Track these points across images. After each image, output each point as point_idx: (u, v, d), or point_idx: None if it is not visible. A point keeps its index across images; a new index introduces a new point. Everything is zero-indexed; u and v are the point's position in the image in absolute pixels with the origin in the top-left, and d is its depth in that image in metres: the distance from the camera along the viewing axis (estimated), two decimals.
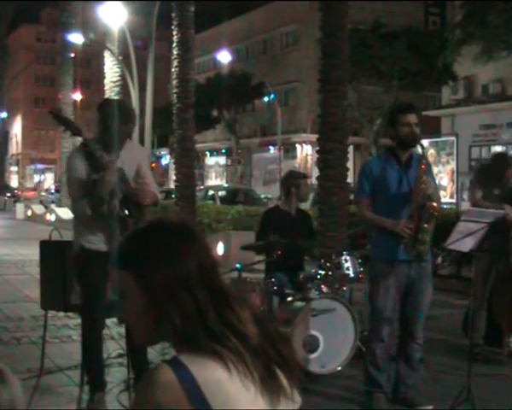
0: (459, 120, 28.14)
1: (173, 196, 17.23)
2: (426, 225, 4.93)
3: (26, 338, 7.23)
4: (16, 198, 43.93)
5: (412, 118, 5.09)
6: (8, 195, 45.27)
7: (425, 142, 20.18)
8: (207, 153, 52.24)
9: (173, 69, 17.40)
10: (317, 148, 12.44)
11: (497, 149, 23.30)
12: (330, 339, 5.90)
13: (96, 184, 4.80)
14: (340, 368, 5.92)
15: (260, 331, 1.66)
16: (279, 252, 6.16)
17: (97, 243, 4.92)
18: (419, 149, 5.14)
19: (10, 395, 1.65)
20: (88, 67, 71.04)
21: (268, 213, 7.00)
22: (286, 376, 1.66)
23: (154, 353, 5.67)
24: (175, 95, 17.18)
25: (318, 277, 6.24)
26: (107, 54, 25.02)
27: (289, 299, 6.17)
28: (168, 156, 49.03)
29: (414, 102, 5.91)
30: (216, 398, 1.54)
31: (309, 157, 42.38)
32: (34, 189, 60.82)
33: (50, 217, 26.45)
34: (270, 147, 44.65)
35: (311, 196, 17.20)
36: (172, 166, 20.62)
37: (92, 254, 4.90)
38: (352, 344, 5.98)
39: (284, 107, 42.62)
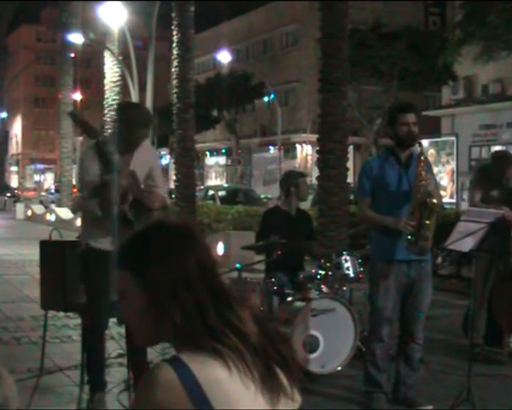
0: (459, 120, 28.14)
1: (173, 196, 17.21)
2: (427, 222, 4.94)
3: (26, 338, 7.23)
4: (16, 198, 43.93)
5: (411, 117, 5.11)
6: (8, 195, 45.25)
7: (425, 142, 20.13)
8: (207, 153, 52.25)
9: (173, 69, 17.39)
10: (317, 148, 12.44)
11: (497, 149, 23.30)
12: (330, 339, 5.90)
13: (108, 185, 4.79)
14: (340, 368, 5.92)
15: (260, 331, 1.66)
16: (279, 252, 6.16)
17: (104, 242, 4.91)
18: (418, 148, 5.16)
19: (4, 395, 1.65)
20: (88, 67, 71.07)
21: (268, 214, 7.00)
22: (286, 375, 1.66)
23: (154, 353, 5.67)
24: (175, 95, 17.18)
25: (318, 277, 6.24)
26: (107, 54, 25.01)
27: (289, 299, 6.17)
28: (168, 156, 49.02)
29: (414, 102, 5.91)
30: (217, 397, 1.54)
31: (309, 157, 42.40)
32: (34, 189, 60.80)
33: (50, 217, 26.46)
34: (270, 147, 44.66)
35: (311, 196, 17.22)
36: (172, 166, 20.60)
37: (98, 253, 4.90)
38: (352, 344, 5.98)
39: (284, 107, 42.64)
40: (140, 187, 5.03)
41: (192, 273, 1.65)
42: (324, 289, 6.21)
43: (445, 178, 20.54)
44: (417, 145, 5.14)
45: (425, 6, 35.88)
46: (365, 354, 5.52)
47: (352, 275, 6.29)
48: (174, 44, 17.30)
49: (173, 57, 17.34)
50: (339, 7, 11.95)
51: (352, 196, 14.00)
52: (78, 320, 6.11)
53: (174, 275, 1.64)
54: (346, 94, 12.11)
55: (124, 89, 24.62)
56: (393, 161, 5.17)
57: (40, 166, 67.19)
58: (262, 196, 29.73)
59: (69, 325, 7.76)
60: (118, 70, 24.40)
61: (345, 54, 11.97)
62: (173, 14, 17.42)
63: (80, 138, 42.79)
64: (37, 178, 65.00)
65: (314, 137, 14.71)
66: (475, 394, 4.93)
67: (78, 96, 47.76)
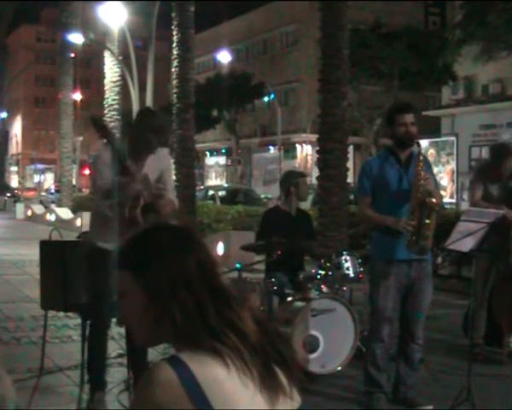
0: (459, 120, 28.15)
1: None
2: (427, 221, 4.94)
3: (26, 338, 7.23)
4: (16, 198, 43.92)
5: (409, 118, 5.11)
6: (8, 195, 45.24)
7: (425, 142, 20.11)
8: (207, 153, 52.24)
9: (173, 69, 17.39)
10: (317, 148, 12.45)
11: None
12: (330, 339, 5.90)
13: (121, 188, 4.78)
14: (340, 368, 5.92)
15: (260, 330, 1.67)
16: (279, 252, 6.16)
17: (112, 244, 4.90)
18: (416, 148, 5.16)
19: (1, 394, 1.65)
20: (88, 67, 71.07)
21: (268, 214, 7.00)
22: (285, 375, 1.67)
23: (154, 353, 5.67)
24: (175, 95, 17.18)
25: (318, 277, 6.23)
26: (107, 54, 25.03)
27: (289, 299, 6.17)
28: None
29: (414, 102, 5.91)
30: (216, 396, 1.54)
31: (309, 157, 42.40)
32: (34, 189, 60.79)
33: (50, 217, 26.44)
34: (270, 147, 44.65)
35: (311, 196, 17.22)
36: (172, 166, 20.63)
37: (105, 253, 4.89)
38: (352, 344, 5.98)
39: (284, 107, 42.63)
40: (151, 190, 5.02)
41: (192, 273, 1.65)
42: (324, 289, 6.21)
43: (445, 178, 20.53)
44: (416, 145, 5.15)
45: (425, 6, 35.86)
46: (365, 354, 5.52)
47: (352, 275, 6.29)
48: (174, 44, 17.30)
49: (173, 57, 17.34)
50: (339, 7, 11.96)
51: (352, 196, 14.00)
52: (78, 320, 6.10)
53: (174, 275, 1.64)
54: (346, 94, 12.11)
55: (124, 89, 24.64)
56: (393, 161, 5.18)
57: (40, 166, 67.19)
58: (262, 196, 29.72)
59: (69, 324, 7.76)
60: (118, 70, 24.43)
61: (345, 54, 11.97)
62: (173, 14, 17.42)
63: (80, 138, 42.80)
64: (37, 178, 65.02)
65: (314, 137, 14.72)
66: (475, 394, 4.92)
67: (78, 96, 47.78)
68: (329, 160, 11.86)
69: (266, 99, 44.42)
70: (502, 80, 26.81)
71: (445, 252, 10.19)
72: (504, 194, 6.64)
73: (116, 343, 6.45)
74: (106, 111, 24.63)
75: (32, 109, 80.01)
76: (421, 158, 5.07)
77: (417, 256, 5.06)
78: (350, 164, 12.66)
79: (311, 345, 5.84)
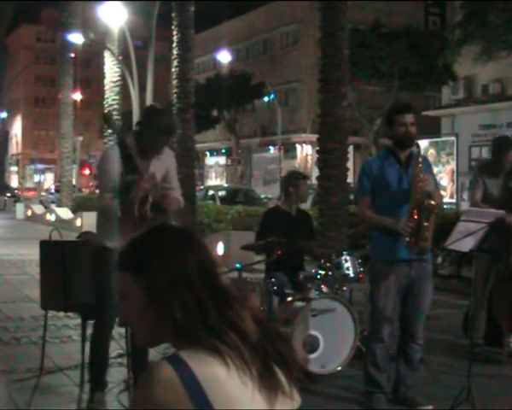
0: (459, 120, 28.15)
1: None
2: (426, 223, 4.94)
3: (26, 338, 7.23)
4: (16, 198, 43.94)
5: (409, 118, 5.10)
6: (8, 195, 45.26)
7: (425, 142, 20.08)
8: (207, 153, 52.21)
9: (173, 69, 17.39)
10: (317, 148, 12.45)
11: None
12: (330, 339, 5.90)
13: (128, 186, 4.77)
14: (340, 368, 5.92)
15: (260, 330, 1.67)
16: (279, 252, 6.15)
17: (120, 242, 4.89)
18: (416, 149, 5.16)
19: None
20: (88, 67, 71.10)
21: (268, 214, 7.00)
22: (285, 374, 1.67)
23: (154, 353, 5.66)
24: (175, 95, 17.17)
25: (318, 277, 6.23)
26: (107, 54, 25.03)
27: (289, 299, 6.17)
28: None
29: (414, 102, 5.91)
30: (216, 395, 1.55)
31: (309, 157, 42.40)
32: (34, 189, 60.78)
33: (50, 217, 26.44)
34: (270, 147, 44.58)
35: (311, 196, 17.22)
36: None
37: (113, 252, 4.88)
38: (352, 344, 5.98)
39: (284, 107, 42.63)
40: (158, 188, 5.02)
41: (192, 273, 1.66)
42: (324, 289, 6.20)
43: (445, 178, 20.51)
44: (415, 146, 5.15)
45: (425, 6, 35.86)
46: (365, 354, 5.52)
47: (352, 275, 6.29)
48: (174, 44, 17.30)
49: (173, 57, 17.34)
50: (339, 7, 11.96)
51: (352, 196, 14.00)
52: (78, 320, 6.10)
53: (174, 275, 1.65)
54: (345, 94, 12.11)
55: (124, 89, 24.65)
56: (393, 161, 5.17)
57: (40, 166, 67.17)
58: (262, 196, 29.69)
59: (69, 325, 7.76)
60: (118, 70, 24.43)
61: (345, 54, 11.97)
62: (173, 14, 17.42)
63: (80, 138, 42.80)
64: (37, 178, 64.99)
65: (314, 137, 14.72)
66: (475, 394, 4.92)
67: (78, 96, 47.78)
68: (329, 160, 11.87)
69: (266, 99, 44.42)
70: (502, 80, 26.81)
71: (445, 252, 10.19)
72: (504, 195, 6.63)
73: (116, 343, 6.45)
74: (106, 111, 24.61)
75: (32, 109, 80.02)
76: (420, 159, 5.07)
77: (417, 256, 5.06)
78: (350, 164, 12.66)
79: (311, 345, 5.84)
